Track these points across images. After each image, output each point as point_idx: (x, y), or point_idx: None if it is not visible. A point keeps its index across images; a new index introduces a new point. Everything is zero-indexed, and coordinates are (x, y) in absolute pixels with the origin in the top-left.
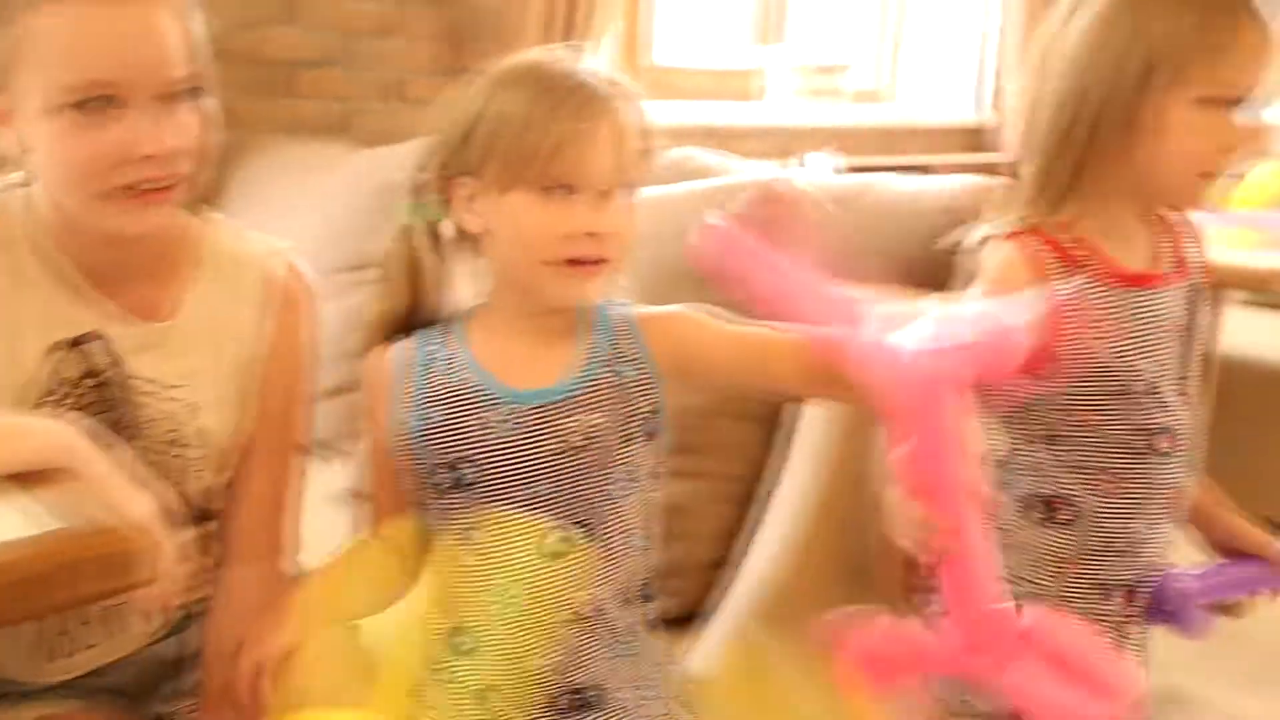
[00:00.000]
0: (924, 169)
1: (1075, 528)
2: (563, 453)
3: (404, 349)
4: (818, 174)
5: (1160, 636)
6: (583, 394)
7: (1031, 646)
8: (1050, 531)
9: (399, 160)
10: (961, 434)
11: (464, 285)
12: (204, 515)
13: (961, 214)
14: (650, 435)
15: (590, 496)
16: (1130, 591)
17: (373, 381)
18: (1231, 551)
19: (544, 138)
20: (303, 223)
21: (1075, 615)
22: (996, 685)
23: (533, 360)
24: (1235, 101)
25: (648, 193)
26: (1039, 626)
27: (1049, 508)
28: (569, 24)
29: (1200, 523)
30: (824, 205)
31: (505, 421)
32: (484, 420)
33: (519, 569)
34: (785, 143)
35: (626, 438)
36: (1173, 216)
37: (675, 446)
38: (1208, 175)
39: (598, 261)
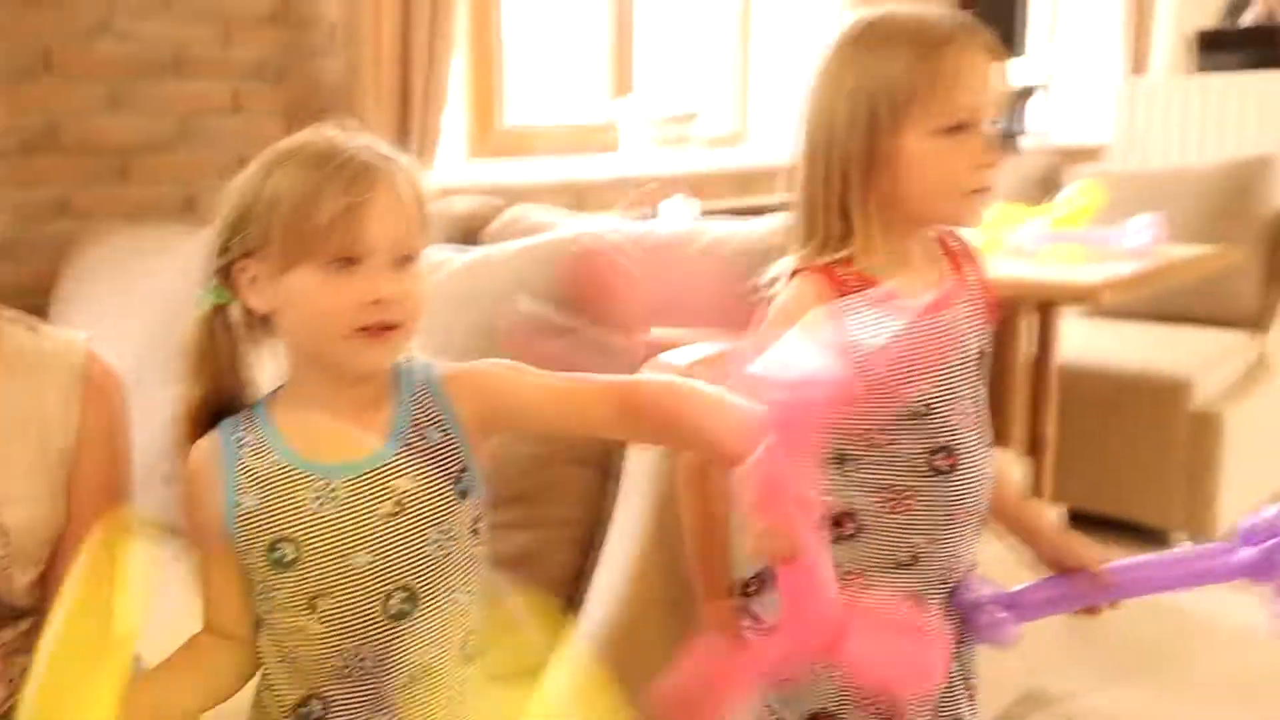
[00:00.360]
0: (777, 208)
1: (859, 541)
2: (376, 522)
3: (212, 440)
4: (673, 220)
5: (1028, 636)
6: (391, 462)
7: (863, 626)
8: (836, 546)
9: None
10: (800, 455)
11: (265, 366)
12: (19, 613)
13: (776, 253)
14: (464, 494)
15: (411, 561)
16: (923, 602)
17: (189, 476)
18: (1059, 567)
19: (319, 214)
20: (140, 307)
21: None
22: (835, 663)
23: (338, 433)
24: (974, 123)
25: (476, 254)
26: (865, 611)
27: (835, 524)
28: (407, 95)
29: (1024, 539)
30: (635, 255)
31: (318, 498)
32: (296, 499)
33: (363, 632)
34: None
35: (440, 500)
36: (951, 241)
37: (512, 496)
38: (974, 193)
39: (389, 327)
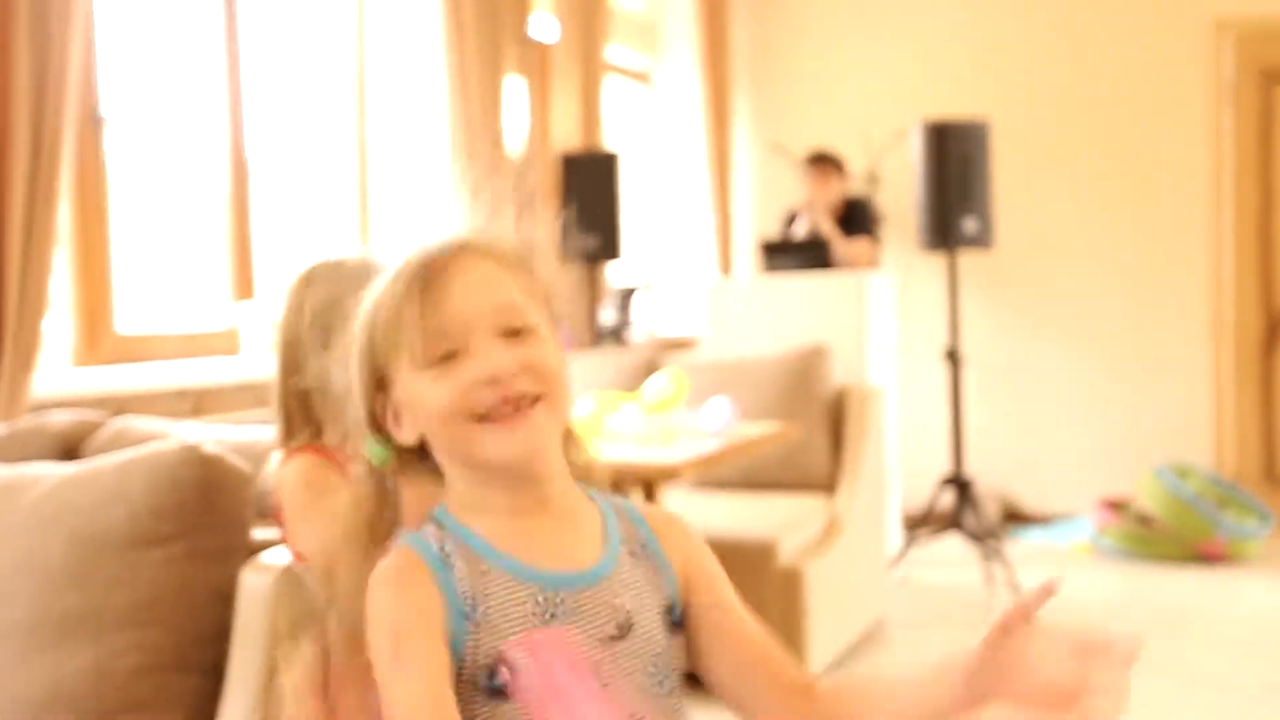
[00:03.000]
0: None
1: None
2: (606, 642)
3: (407, 548)
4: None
5: None
6: (615, 574)
7: None
8: None
9: None
10: None
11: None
12: None
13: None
14: (673, 627)
15: (633, 695)
16: None
17: (407, 578)
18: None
19: (405, 319)
20: None
21: None
22: None
23: (557, 536)
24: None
25: (70, 468)
26: None
27: None
28: (1, 303)
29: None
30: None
31: (544, 612)
32: (521, 614)
33: None
34: (265, 395)
35: (655, 629)
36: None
37: (119, 707)
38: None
39: (515, 406)
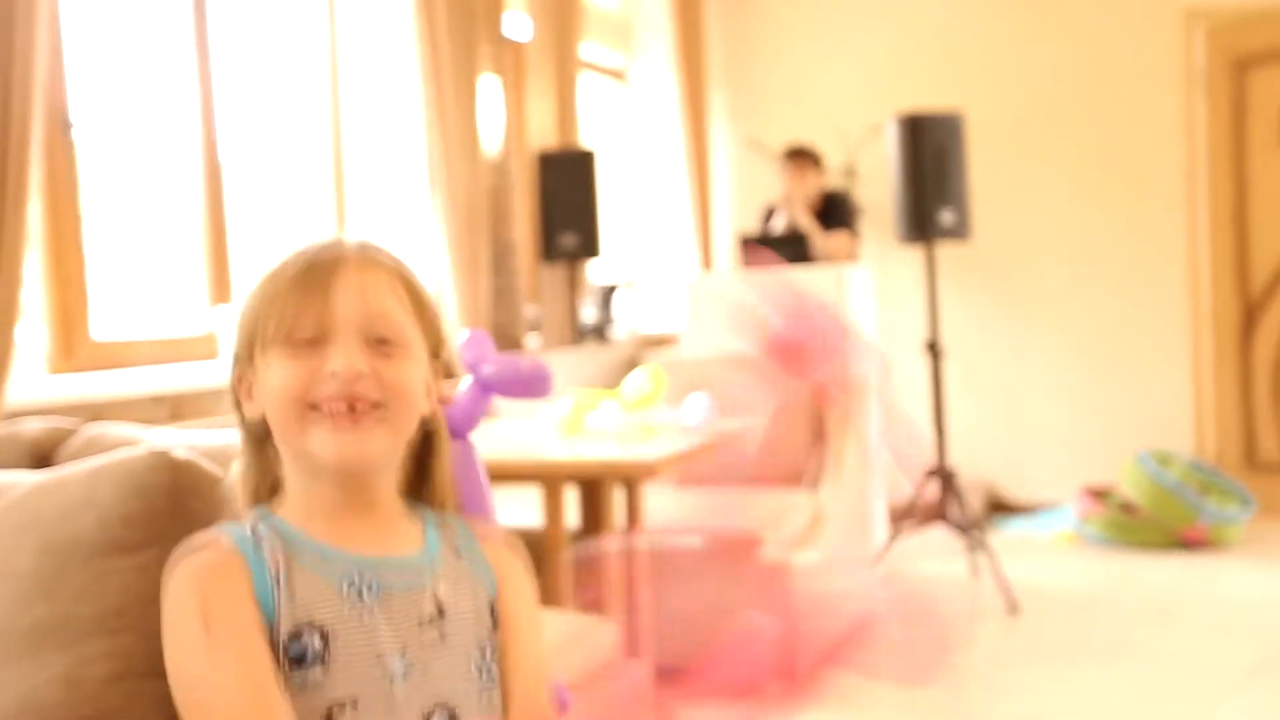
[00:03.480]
0: None
1: None
2: (415, 626)
3: (217, 536)
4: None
5: None
6: (431, 565)
7: None
8: None
9: None
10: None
11: None
12: None
13: None
14: (495, 623)
15: (453, 679)
16: None
17: (204, 571)
18: None
19: (281, 303)
20: None
21: None
22: None
23: (371, 528)
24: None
25: (41, 475)
26: None
27: None
28: None
29: None
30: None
31: (352, 586)
32: (329, 587)
33: None
34: None
35: (478, 618)
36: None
37: (89, 715)
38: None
39: (351, 408)
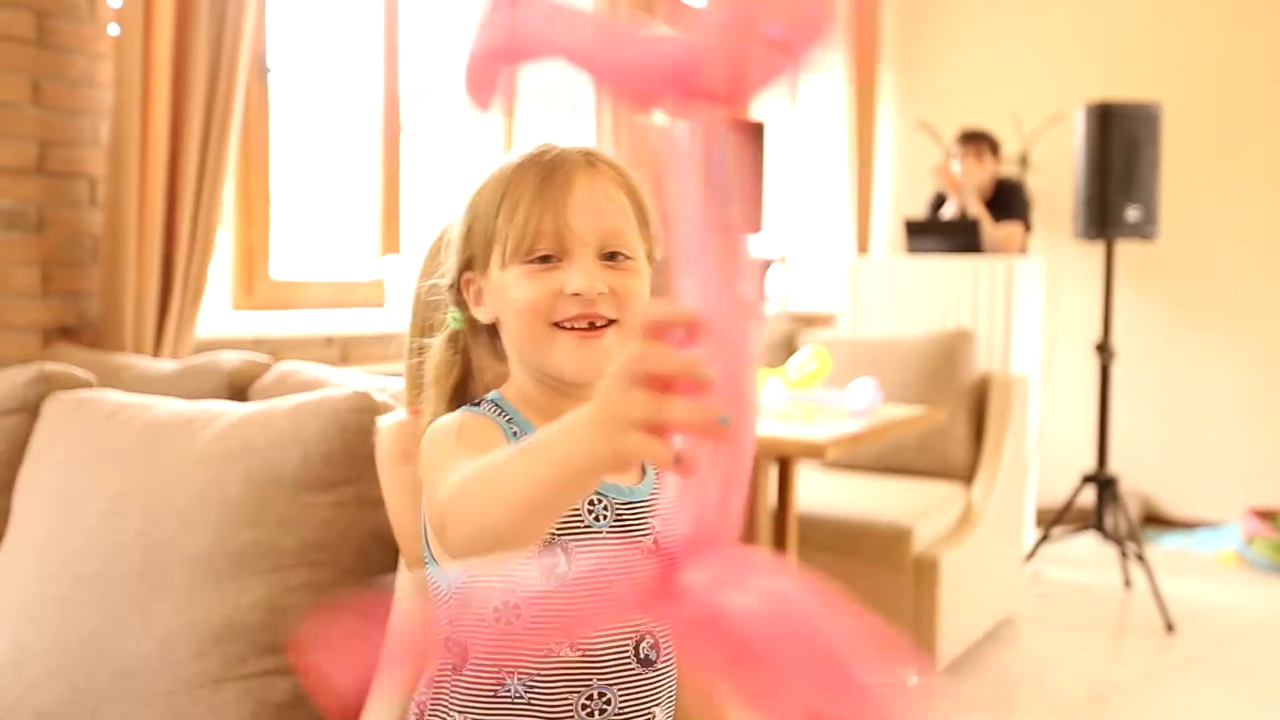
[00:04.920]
0: None
1: None
2: (636, 556)
3: (487, 410)
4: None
5: None
6: (650, 499)
7: None
8: None
9: None
10: None
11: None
12: None
13: None
14: None
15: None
16: None
17: (481, 430)
18: None
19: (516, 212)
20: None
21: None
22: None
23: None
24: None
25: (249, 407)
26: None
27: None
28: (171, 250)
29: None
30: None
31: (593, 513)
32: (575, 505)
33: (616, 671)
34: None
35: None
36: None
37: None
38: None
39: (594, 326)
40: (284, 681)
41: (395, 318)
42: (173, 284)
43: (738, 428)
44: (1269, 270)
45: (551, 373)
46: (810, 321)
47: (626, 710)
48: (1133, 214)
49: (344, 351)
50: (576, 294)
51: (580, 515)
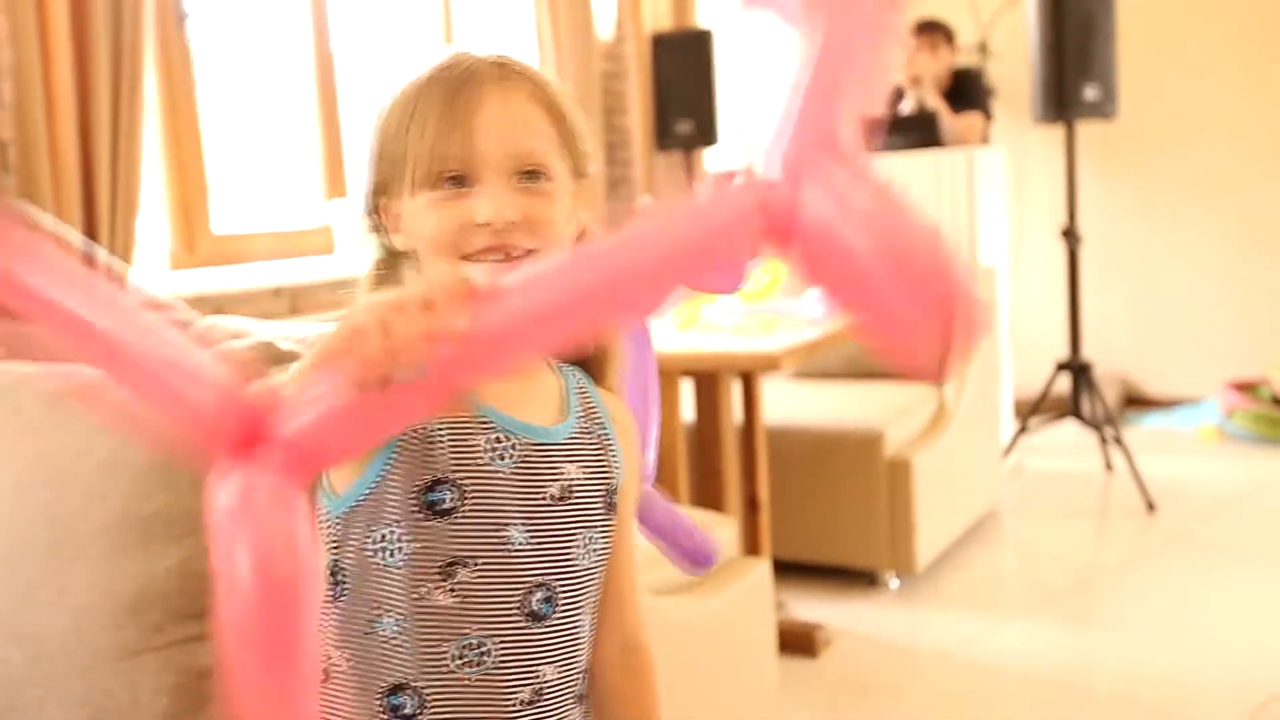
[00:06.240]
0: None
1: None
2: (541, 502)
3: None
4: None
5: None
6: (566, 444)
7: None
8: None
9: None
10: None
11: None
12: None
13: None
14: (610, 508)
15: (559, 558)
16: None
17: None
18: None
19: (422, 133)
20: None
21: None
22: None
23: (522, 391)
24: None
25: None
26: None
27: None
28: (93, 208)
29: None
30: None
31: (493, 450)
32: (473, 444)
33: (497, 622)
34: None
35: (597, 504)
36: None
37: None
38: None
39: (507, 255)
40: (205, 648)
41: (346, 263)
42: (98, 240)
43: None
44: (1235, 140)
45: None
46: None
47: (508, 665)
48: (1091, 93)
49: (293, 302)
50: (486, 223)
51: (479, 452)
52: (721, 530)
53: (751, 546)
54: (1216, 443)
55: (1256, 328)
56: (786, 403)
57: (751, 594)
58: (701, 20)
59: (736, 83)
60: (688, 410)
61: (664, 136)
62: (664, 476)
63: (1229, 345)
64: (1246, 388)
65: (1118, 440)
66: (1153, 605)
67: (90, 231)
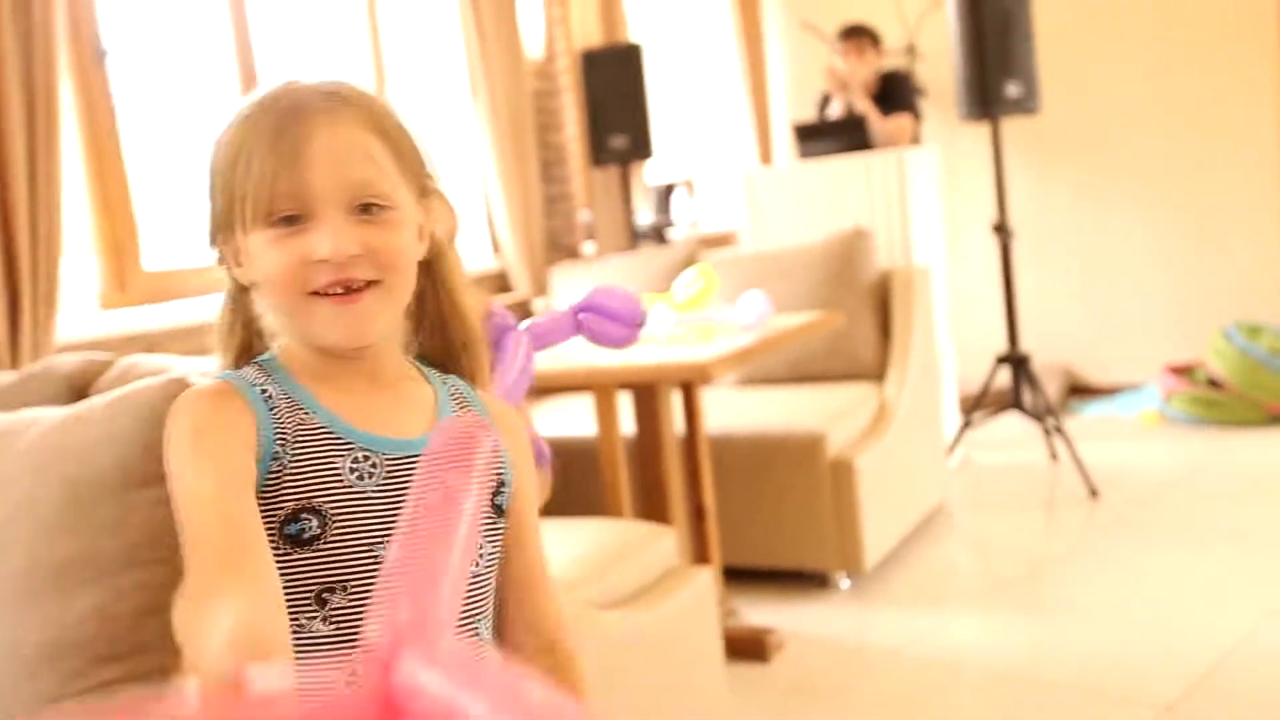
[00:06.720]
0: None
1: None
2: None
3: (229, 385)
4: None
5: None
6: None
7: None
8: None
9: None
10: None
11: None
12: None
13: None
14: (500, 511)
15: None
16: None
17: (220, 399)
18: None
19: (250, 172)
20: None
21: None
22: None
23: (383, 406)
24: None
25: (69, 409)
26: None
27: None
28: (11, 250)
29: None
30: None
31: (355, 471)
32: (332, 466)
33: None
34: None
35: (480, 507)
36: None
37: (127, 651)
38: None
39: (348, 289)
40: (128, 691)
41: None
42: (19, 290)
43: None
44: (1160, 128)
45: (316, 342)
46: (715, 242)
47: None
48: (1013, 90)
49: None
50: (325, 260)
51: (340, 473)
52: (663, 540)
53: (700, 555)
54: (1157, 427)
55: (1191, 312)
56: (728, 409)
57: (695, 603)
58: (631, 35)
59: (668, 95)
60: (628, 423)
61: (599, 151)
62: (607, 490)
63: (1167, 329)
64: (1183, 371)
65: (1059, 430)
66: (1099, 590)
67: (10, 276)
